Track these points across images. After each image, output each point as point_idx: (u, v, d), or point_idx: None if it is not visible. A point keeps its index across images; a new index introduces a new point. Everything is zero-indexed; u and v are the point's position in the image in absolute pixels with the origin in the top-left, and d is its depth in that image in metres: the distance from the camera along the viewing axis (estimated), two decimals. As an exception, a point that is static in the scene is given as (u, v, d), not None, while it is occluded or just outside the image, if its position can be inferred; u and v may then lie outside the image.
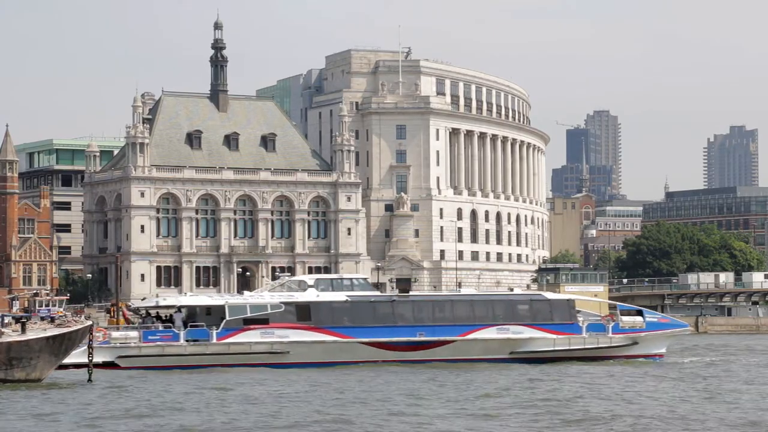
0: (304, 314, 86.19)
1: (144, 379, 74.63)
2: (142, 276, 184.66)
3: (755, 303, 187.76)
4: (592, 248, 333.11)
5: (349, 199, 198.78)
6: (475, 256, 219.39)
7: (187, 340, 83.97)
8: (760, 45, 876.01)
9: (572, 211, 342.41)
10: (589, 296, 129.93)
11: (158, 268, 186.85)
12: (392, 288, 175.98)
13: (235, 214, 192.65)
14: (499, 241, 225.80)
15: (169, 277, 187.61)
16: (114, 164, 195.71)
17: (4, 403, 58.74)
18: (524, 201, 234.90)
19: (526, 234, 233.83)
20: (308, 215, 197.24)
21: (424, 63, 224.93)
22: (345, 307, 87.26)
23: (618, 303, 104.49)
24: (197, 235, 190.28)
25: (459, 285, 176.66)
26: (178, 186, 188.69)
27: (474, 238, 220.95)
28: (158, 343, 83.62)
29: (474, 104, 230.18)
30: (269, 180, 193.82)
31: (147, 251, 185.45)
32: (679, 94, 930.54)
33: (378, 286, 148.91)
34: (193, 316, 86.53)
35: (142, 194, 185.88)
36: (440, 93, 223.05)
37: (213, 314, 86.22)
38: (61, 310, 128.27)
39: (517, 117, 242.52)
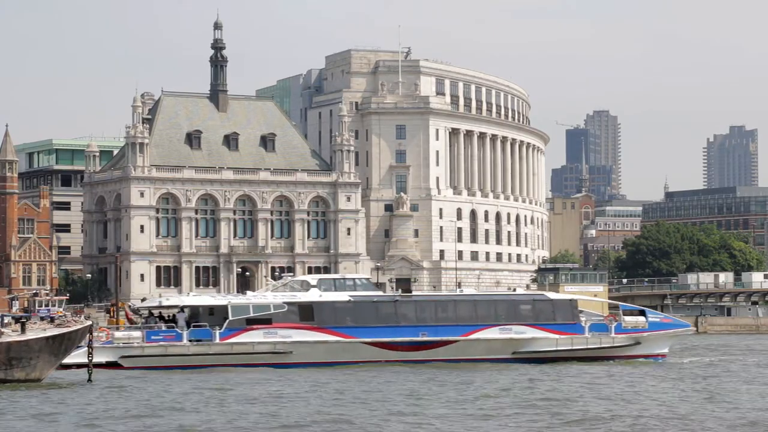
0: (307, 314, 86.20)
1: (144, 379, 74.63)
2: (142, 276, 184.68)
3: (755, 303, 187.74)
4: (592, 248, 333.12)
5: (348, 199, 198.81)
6: (474, 256, 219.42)
7: (190, 340, 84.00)
8: (760, 45, 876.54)
9: (572, 211, 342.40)
10: (589, 296, 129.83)
11: (158, 268, 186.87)
12: (392, 288, 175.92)
13: (234, 214, 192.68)
14: (498, 241, 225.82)
15: (169, 277, 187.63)
16: (114, 164, 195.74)
17: (4, 403, 58.72)
18: (524, 201, 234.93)
19: (526, 234, 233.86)
20: (308, 215, 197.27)
21: (424, 63, 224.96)
22: (348, 307, 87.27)
23: (620, 303, 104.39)
24: (197, 235, 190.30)
25: (459, 285, 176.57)
26: (178, 186, 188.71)
27: (474, 238, 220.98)
28: (161, 343, 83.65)
29: (474, 104, 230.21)
30: (269, 180, 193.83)
31: (147, 251, 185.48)
32: (679, 94, 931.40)
33: (377, 286, 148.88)
34: (196, 316, 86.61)
35: (142, 194, 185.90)
36: (440, 93, 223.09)
37: (216, 314, 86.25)
38: (61, 310, 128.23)
39: (516, 117, 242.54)
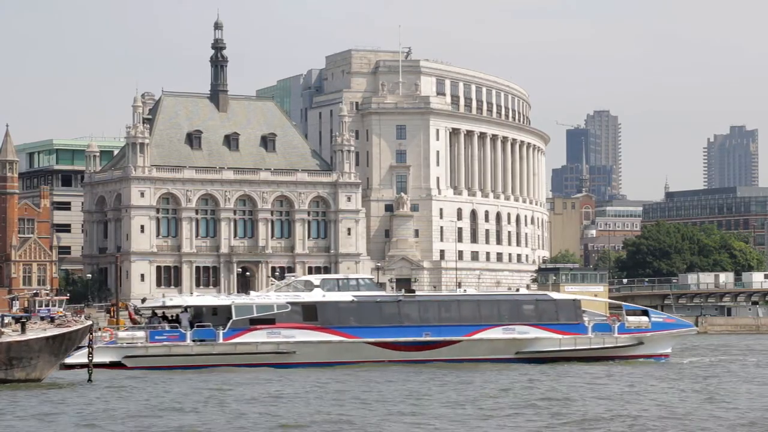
0: (310, 314, 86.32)
1: (144, 379, 74.64)
2: (142, 276, 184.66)
3: (755, 303, 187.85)
4: (592, 248, 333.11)
5: (349, 199, 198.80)
6: (474, 256, 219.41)
7: (193, 340, 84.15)
8: (760, 45, 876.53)
9: (572, 211, 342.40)
10: (589, 296, 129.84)
11: (158, 268, 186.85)
12: (392, 288, 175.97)
13: (235, 214, 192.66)
14: (499, 241, 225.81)
15: (169, 277, 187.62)
16: (114, 164, 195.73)
17: (4, 403, 58.72)
18: (524, 201, 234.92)
19: (526, 234, 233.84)
20: (308, 215, 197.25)
21: (424, 63, 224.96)
22: (351, 307, 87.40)
23: (624, 303, 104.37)
24: (197, 235, 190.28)
25: (459, 285, 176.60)
26: (178, 186, 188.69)
27: (474, 238, 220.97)
28: (165, 343, 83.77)
29: (474, 104, 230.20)
30: (269, 180, 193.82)
31: (147, 251, 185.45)
32: (679, 94, 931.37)
33: (378, 286, 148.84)
34: (200, 316, 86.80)
35: (142, 194, 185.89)
36: (440, 93, 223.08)
37: (219, 314, 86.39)
38: (61, 310, 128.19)
39: (517, 117, 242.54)
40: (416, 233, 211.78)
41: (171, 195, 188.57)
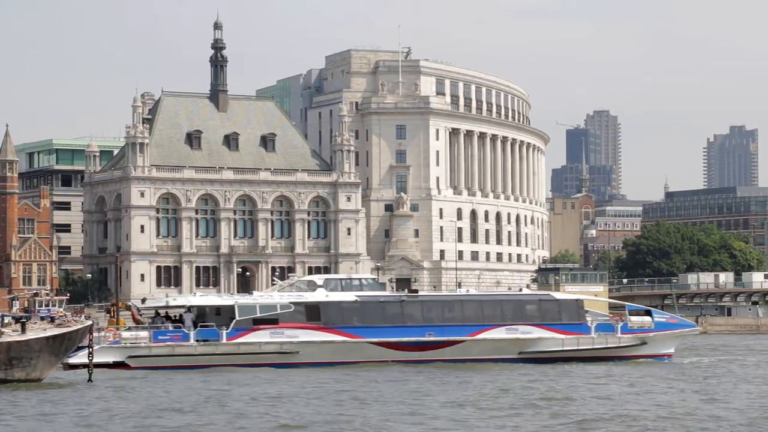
0: (313, 314, 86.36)
1: (144, 379, 74.64)
2: (142, 276, 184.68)
3: (755, 303, 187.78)
4: (592, 248, 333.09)
5: (349, 199, 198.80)
6: (474, 256, 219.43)
7: (197, 340, 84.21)
8: (760, 45, 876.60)
9: (572, 211, 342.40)
10: (590, 296, 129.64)
11: (158, 268, 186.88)
12: (392, 288, 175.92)
13: (235, 214, 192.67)
14: (498, 241, 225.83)
15: (169, 277, 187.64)
16: (114, 164, 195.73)
17: (4, 403, 58.70)
18: (524, 201, 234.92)
19: (526, 234, 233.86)
20: (308, 215, 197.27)
21: (424, 63, 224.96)
22: (354, 307, 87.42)
23: (627, 303, 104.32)
24: (197, 235, 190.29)
25: (459, 285, 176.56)
26: (178, 186, 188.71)
27: (474, 238, 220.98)
28: (168, 343, 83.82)
29: (474, 104, 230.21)
30: (269, 180, 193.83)
31: (147, 251, 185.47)
32: (679, 94, 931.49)
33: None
34: (203, 316, 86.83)
35: (142, 194, 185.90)
36: (440, 93, 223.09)
37: (222, 314, 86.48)
38: (61, 310, 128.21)
39: (517, 117, 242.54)
40: (416, 233, 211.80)
41: (171, 195, 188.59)
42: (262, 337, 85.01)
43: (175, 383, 71.33)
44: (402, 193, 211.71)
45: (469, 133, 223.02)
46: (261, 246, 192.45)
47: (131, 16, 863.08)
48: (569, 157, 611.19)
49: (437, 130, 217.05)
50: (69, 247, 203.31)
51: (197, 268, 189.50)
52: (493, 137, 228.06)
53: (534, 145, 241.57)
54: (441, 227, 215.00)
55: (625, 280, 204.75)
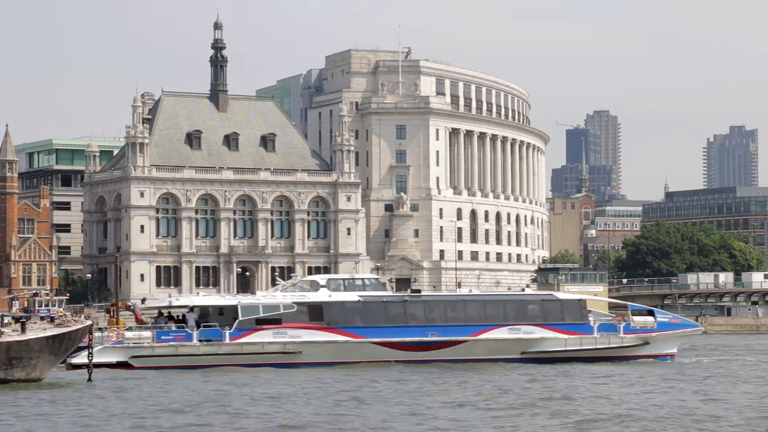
0: (316, 314, 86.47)
1: (144, 378, 74.66)
2: (142, 276, 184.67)
3: (755, 303, 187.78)
4: (592, 248, 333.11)
5: (348, 199, 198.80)
6: (474, 256, 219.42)
7: (200, 340, 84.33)
8: (760, 45, 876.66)
9: (572, 211, 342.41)
10: (590, 296, 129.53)
11: (158, 268, 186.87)
12: (392, 288, 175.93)
13: (234, 214, 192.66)
14: (498, 241, 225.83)
15: (169, 277, 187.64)
16: (114, 164, 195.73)
17: (4, 403, 58.71)
18: (524, 201, 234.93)
19: (526, 234, 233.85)
20: (308, 215, 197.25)
21: (424, 63, 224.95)
22: (357, 307, 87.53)
23: (629, 303, 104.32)
24: (197, 235, 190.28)
25: (458, 285, 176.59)
26: (178, 186, 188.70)
27: (474, 238, 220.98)
28: (171, 343, 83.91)
29: (474, 104, 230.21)
30: (269, 180, 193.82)
31: (147, 251, 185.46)
32: (679, 94, 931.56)
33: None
34: (206, 316, 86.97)
35: (142, 194, 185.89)
36: (440, 93, 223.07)
37: (225, 314, 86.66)
38: (61, 310, 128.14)
39: (517, 117, 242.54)
40: (416, 233, 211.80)
41: (171, 195, 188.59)
42: (265, 337, 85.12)
43: (175, 383, 71.35)
44: (402, 193, 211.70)
45: (469, 133, 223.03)
46: (261, 246, 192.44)
47: (131, 16, 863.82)
48: (569, 157, 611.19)
49: (437, 130, 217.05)
50: (69, 247, 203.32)
51: (197, 268, 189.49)
52: (493, 137, 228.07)
53: (534, 145, 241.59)
54: (441, 227, 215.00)
55: (624, 280, 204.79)
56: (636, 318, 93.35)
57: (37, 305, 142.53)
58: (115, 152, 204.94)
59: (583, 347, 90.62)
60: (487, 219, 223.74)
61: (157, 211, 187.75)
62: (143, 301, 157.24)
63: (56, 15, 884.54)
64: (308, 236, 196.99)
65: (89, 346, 70.61)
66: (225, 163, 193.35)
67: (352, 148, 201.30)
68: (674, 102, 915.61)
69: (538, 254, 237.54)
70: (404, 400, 61.39)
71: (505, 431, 50.59)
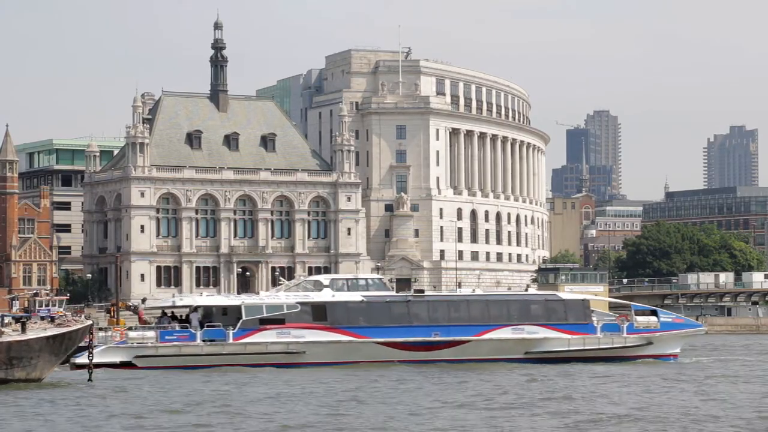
0: (320, 314, 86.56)
1: (144, 378, 74.67)
2: (142, 276, 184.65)
3: (755, 303, 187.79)
4: (592, 248, 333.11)
5: (349, 199, 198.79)
6: (474, 256, 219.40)
7: (203, 340, 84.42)
8: (760, 45, 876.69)
9: (572, 211, 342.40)
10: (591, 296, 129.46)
11: (158, 268, 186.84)
12: (392, 288, 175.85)
13: (235, 214, 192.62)
14: (499, 241, 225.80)
15: (169, 277, 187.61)
16: (114, 164, 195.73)
17: (4, 403, 58.70)
18: (524, 201, 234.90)
19: (526, 234, 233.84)
20: (308, 215, 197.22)
21: (424, 63, 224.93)
22: (361, 307, 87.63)
23: (632, 303, 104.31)
24: (197, 235, 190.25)
25: (459, 285, 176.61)
26: (178, 186, 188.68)
27: (474, 238, 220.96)
28: (175, 343, 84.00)
29: (474, 104, 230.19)
30: (269, 180, 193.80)
31: (147, 251, 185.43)
32: (679, 94, 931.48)
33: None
34: (209, 316, 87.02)
35: (142, 194, 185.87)
36: (440, 93, 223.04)
37: (229, 314, 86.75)
38: (61, 310, 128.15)
39: (517, 117, 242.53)
40: (416, 233, 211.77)
41: (171, 195, 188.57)
42: (268, 337, 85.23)
43: (175, 383, 71.35)
44: (402, 193, 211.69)
45: (469, 133, 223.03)
46: (261, 246, 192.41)
47: (131, 16, 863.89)
48: (569, 157, 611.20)
49: (437, 130, 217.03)
50: (69, 247, 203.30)
51: (197, 268, 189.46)
52: (493, 137, 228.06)
53: (534, 145, 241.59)
54: (441, 227, 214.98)
55: (625, 280, 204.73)
56: (639, 318, 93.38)
57: (37, 305, 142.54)
58: (115, 152, 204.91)
59: (586, 347, 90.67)
60: (487, 219, 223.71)
61: (158, 211, 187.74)
62: (143, 301, 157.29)
63: (56, 15, 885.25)
64: (308, 236, 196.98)
65: (89, 346, 70.64)
66: (225, 163, 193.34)
67: (352, 148, 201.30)
68: (674, 102, 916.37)
69: (539, 254, 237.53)
70: (404, 401, 61.39)
71: (505, 431, 50.59)
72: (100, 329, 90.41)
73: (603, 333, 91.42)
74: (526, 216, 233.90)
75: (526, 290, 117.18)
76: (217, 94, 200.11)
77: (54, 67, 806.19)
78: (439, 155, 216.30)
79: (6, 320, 71.44)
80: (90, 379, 69.61)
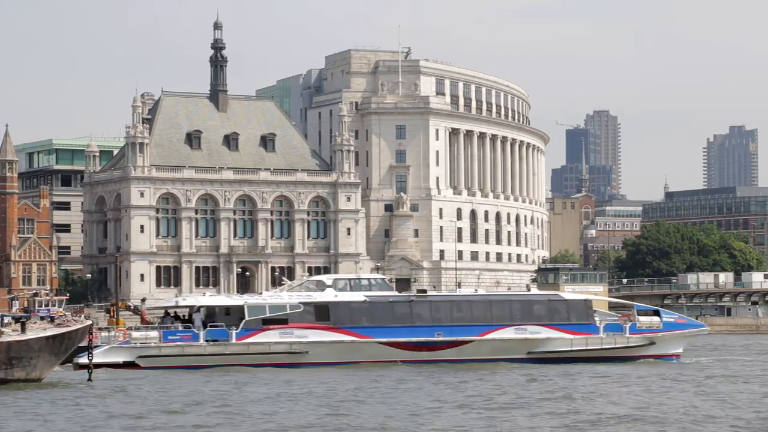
0: (322, 314, 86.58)
1: (144, 378, 74.66)
2: (142, 276, 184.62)
3: (755, 303, 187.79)
4: (592, 248, 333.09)
5: (348, 199, 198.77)
6: (474, 256, 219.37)
7: (206, 340, 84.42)
8: (760, 45, 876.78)
9: (572, 211, 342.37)
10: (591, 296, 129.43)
11: (158, 268, 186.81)
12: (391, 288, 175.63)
13: (234, 214, 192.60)
14: (498, 241, 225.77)
15: (169, 277, 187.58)
16: (114, 164, 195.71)
17: (4, 403, 58.69)
18: (524, 201, 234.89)
19: (526, 234, 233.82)
20: (308, 215, 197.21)
21: (423, 63, 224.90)
22: (363, 307, 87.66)
23: (635, 303, 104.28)
24: (197, 235, 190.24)
25: (458, 285, 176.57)
26: (178, 186, 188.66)
27: (473, 238, 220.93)
28: (178, 343, 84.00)
29: (474, 104, 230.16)
30: (269, 180, 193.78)
31: (146, 251, 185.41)
32: (679, 94, 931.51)
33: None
34: (212, 316, 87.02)
35: (142, 194, 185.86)
36: (440, 93, 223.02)
37: (232, 314, 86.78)
38: (61, 310, 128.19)
39: (516, 117, 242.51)
40: (416, 233, 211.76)
41: (171, 195, 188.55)
42: (271, 337, 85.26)
43: (175, 383, 71.33)
44: (402, 193, 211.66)
45: (469, 133, 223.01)
46: (261, 246, 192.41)
47: (131, 16, 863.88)
48: (569, 157, 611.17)
49: (437, 130, 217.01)
50: (69, 247, 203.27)
51: (197, 268, 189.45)
52: (493, 137, 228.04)
53: (534, 145, 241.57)
54: (441, 227, 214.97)
55: (624, 280, 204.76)
56: (642, 318, 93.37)
57: (37, 305, 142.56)
58: (115, 152, 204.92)
59: (589, 347, 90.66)
60: (487, 219, 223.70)
61: (157, 211, 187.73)
62: (143, 301, 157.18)
63: (56, 15, 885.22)
64: (308, 236, 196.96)
65: (89, 346, 70.64)
66: (225, 163, 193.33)
67: (352, 148, 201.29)
68: (674, 102, 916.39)
69: (538, 254, 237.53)
70: (404, 400, 61.37)
71: (504, 431, 50.58)
72: (102, 329, 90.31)
73: (606, 333, 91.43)
74: (525, 216, 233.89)
75: (528, 290, 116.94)
76: (216, 94, 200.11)
77: (54, 67, 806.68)
78: (438, 155, 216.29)
79: (6, 320, 71.42)
80: (90, 379, 69.59)
